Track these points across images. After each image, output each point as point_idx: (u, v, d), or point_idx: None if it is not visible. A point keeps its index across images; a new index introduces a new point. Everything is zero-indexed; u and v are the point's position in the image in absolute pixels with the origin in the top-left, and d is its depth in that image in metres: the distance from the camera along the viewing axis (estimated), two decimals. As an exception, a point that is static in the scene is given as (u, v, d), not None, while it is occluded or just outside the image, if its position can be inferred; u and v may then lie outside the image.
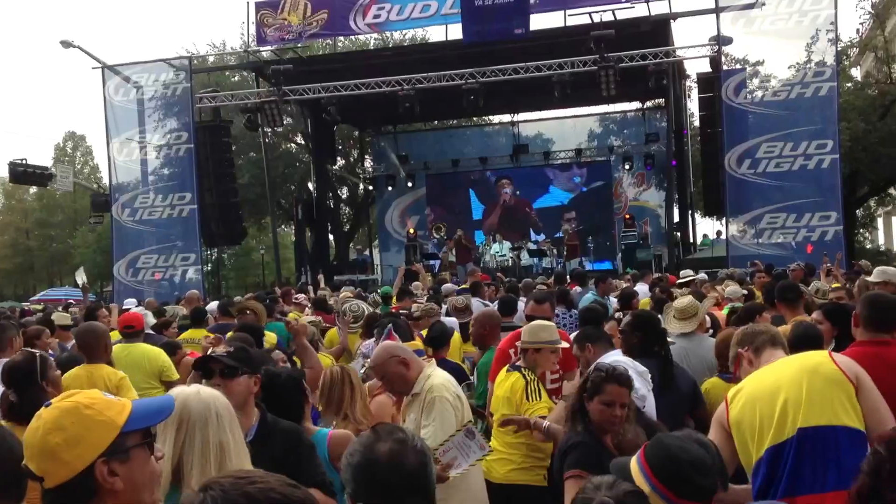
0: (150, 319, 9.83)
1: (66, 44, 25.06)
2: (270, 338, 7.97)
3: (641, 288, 12.88)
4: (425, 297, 11.52)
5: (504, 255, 25.46)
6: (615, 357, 5.41)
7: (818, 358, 3.71)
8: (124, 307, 13.01)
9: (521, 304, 9.62)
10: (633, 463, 2.87)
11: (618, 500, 2.45)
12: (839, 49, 23.09)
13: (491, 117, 35.48)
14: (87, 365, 6.16)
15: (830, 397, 3.53)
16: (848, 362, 3.65)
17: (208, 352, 4.02)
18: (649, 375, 5.07)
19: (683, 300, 7.13)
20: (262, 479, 1.67)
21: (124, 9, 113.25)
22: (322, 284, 16.57)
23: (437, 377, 4.63)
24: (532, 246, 26.49)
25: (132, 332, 7.86)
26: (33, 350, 4.94)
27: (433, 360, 5.11)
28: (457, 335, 8.23)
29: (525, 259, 25.30)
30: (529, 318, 6.48)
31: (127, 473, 2.17)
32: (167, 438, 2.84)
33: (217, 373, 3.71)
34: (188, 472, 2.84)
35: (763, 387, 3.68)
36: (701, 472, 2.75)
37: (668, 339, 6.31)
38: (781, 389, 3.60)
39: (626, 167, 28.99)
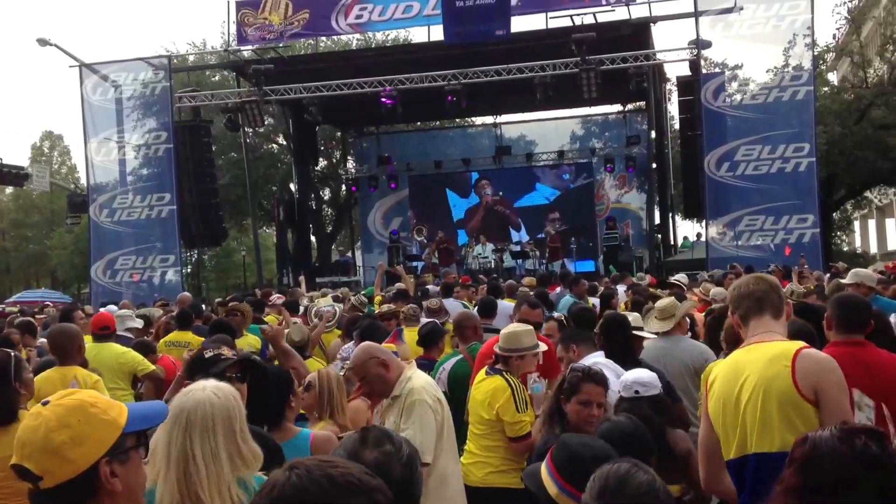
0: (133, 321, 9.72)
1: (43, 42, 24.92)
2: (253, 341, 7.95)
3: (622, 289, 12.94)
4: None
5: (487, 257, 25.51)
6: (595, 359, 5.45)
7: (778, 367, 3.47)
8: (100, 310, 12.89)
9: (501, 304, 9.68)
10: (543, 467, 2.96)
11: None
12: (816, 54, 23.30)
13: (473, 119, 35.50)
14: (61, 367, 6.11)
15: (784, 421, 3.41)
16: (808, 372, 3.43)
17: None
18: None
19: (665, 300, 7.18)
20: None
21: (103, 7, 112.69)
22: (303, 288, 16.47)
23: (417, 380, 4.62)
24: (515, 247, 26.55)
25: (106, 332, 7.84)
26: (8, 350, 4.91)
27: (413, 361, 5.08)
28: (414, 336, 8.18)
29: (508, 261, 25.34)
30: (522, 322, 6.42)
31: (125, 475, 2.17)
32: (171, 440, 2.77)
33: (235, 377, 3.70)
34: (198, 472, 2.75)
35: (728, 388, 3.61)
36: (623, 445, 2.95)
37: (647, 339, 6.37)
38: (741, 400, 3.53)
39: (608, 169, 29.09)
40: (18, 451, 2.13)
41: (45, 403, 2.19)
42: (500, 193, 30.55)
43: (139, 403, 2.53)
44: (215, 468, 2.73)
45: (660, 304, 7.10)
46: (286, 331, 6.91)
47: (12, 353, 4.58)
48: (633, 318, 6.40)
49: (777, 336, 3.64)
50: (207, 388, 2.88)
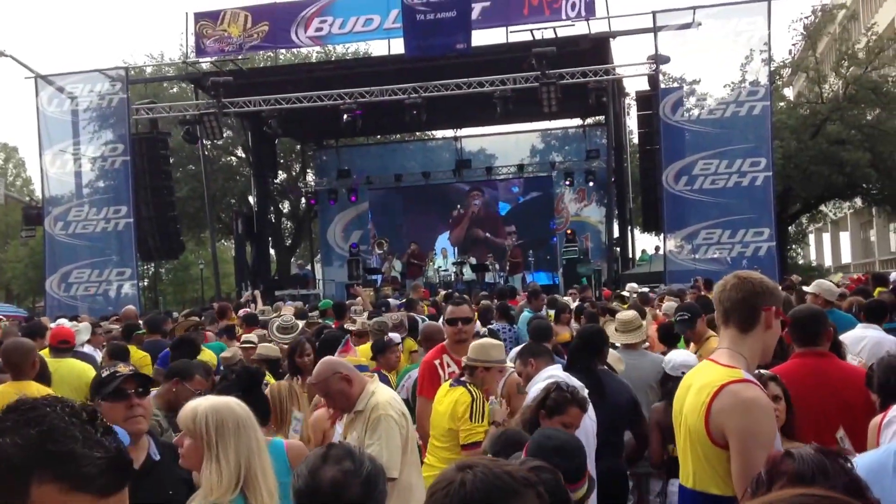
0: (85, 336, 9.60)
1: (-2, 53, 24.53)
2: (209, 356, 7.85)
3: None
4: (366, 315, 11.49)
5: (447, 270, 25.48)
6: (552, 372, 5.46)
7: (700, 399, 3.15)
8: (52, 325, 12.68)
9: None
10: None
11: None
12: (772, 69, 23.62)
13: (434, 132, 35.52)
14: (14, 382, 5.97)
15: (696, 459, 3.18)
16: (718, 412, 3.07)
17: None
18: (586, 391, 5.13)
19: (627, 313, 7.23)
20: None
21: (59, 18, 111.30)
22: (259, 302, 16.29)
23: (380, 394, 4.57)
24: (474, 260, 26.56)
25: (65, 347, 7.71)
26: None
27: (375, 375, 5.03)
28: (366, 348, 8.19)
29: (468, 274, 25.34)
30: (451, 322, 6.41)
31: None
32: (229, 445, 2.98)
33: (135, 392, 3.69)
34: (256, 474, 3.00)
35: (676, 408, 3.41)
36: (565, 456, 3.10)
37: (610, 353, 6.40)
38: (678, 424, 3.36)
39: (568, 183, 29.22)
40: None
41: None
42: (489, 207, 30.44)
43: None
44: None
45: (621, 316, 7.15)
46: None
47: None
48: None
49: (729, 357, 3.20)
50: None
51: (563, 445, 3.21)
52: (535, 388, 5.31)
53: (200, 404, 3.09)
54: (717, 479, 3.08)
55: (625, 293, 14.51)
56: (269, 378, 7.18)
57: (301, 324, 9.84)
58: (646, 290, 15.39)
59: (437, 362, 6.29)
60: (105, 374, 3.79)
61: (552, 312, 11.42)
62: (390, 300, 14.93)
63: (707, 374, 3.23)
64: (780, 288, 3.27)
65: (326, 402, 4.89)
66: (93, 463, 1.48)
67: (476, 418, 5.21)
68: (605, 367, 6.04)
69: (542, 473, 2.61)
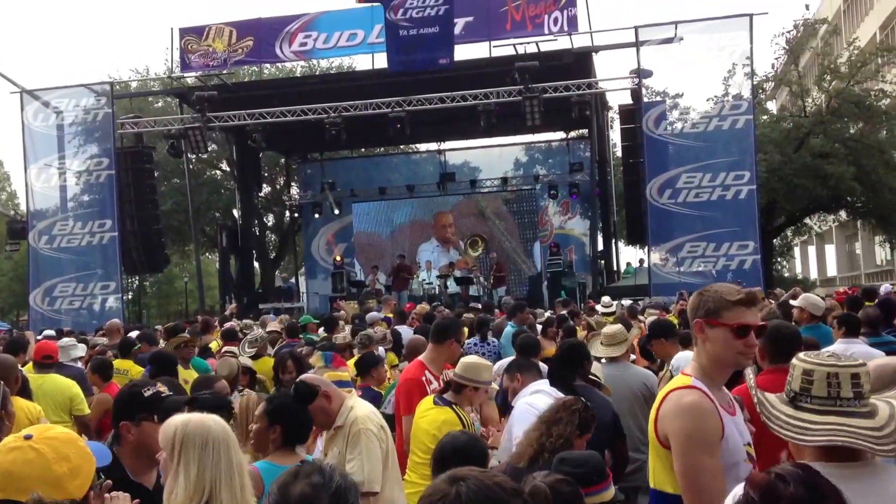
0: (77, 350, 9.55)
1: (-17, 67, 24.48)
2: (188, 375, 7.81)
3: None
4: (349, 328, 11.49)
5: (431, 283, 25.47)
6: (539, 386, 5.46)
7: (657, 404, 3.29)
8: (38, 337, 12.65)
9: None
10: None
11: (550, 486, 2.80)
12: (755, 83, 23.77)
13: (418, 145, 35.58)
14: (-3, 398, 5.94)
15: (654, 459, 3.32)
16: (662, 416, 3.21)
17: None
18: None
19: (613, 327, 7.25)
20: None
21: (44, 33, 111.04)
22: (234, 319, 16.13)
23: (359, 409, 4.58)
24: (458, 273, 26.53)
25: (49, 362, 7.69)
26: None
27: (353, 390, 5.03)
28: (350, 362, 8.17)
29: (452, 287, 25.31)
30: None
31: None
32: (191, 461, 2.94)
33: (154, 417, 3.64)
34: (218, 492, 2.94)
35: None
36: (459, 459, 3.20)
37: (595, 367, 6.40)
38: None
39: (552, 196, 29.30)
40: (6, 486, 2.12)
41: (27, 437, 2.21)
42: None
43: (90, 443, 2.55)
44: None
45: (607, 330, 7.16)
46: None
47: (1, 384, 4.46)
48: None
49: (689, 366, 3.34)
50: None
51: (577, 456, 3.39)
52: (521, 402, 5.31)
53: (176, 419, 3.09)
54: (671, 479, 3.19)
55: (599, 307, 14.60)
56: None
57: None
58: (629, 302, 15.42)
59: (423, 379, 6.14)
60: (149, 393, 3.75)
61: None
62: (372, 313, 14.91)
63: (672, 381, 3.38)
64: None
65: None
66: None
67: None
68: (593, 379, 6.01)
69: (565, 486, 2.87)
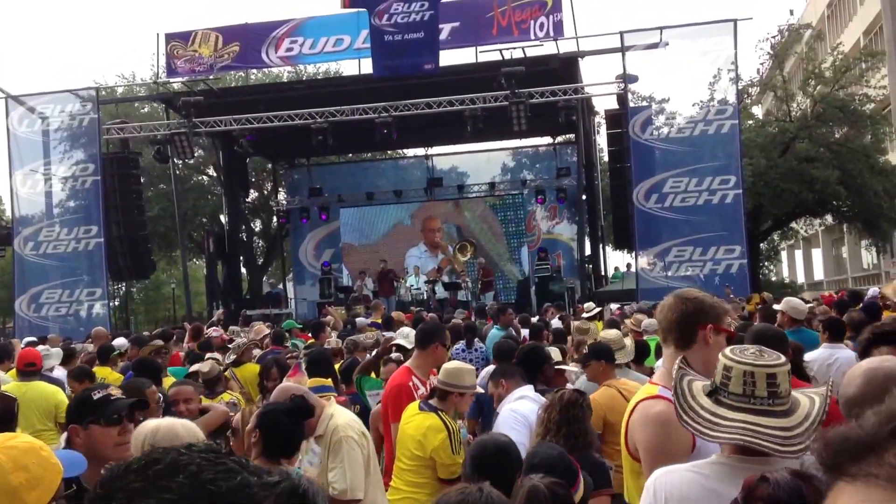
0: (55, 361, 9.53)
1: (-33, 73, 24.38)
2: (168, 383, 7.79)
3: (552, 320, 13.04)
4: (335, 335, 11.49)
5: (419, 289, 25.47)
6: (523, 392, 5.46)
7: (627, 416, 3.30)
8: (23, 345, 12.60)
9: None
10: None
11: (546, 486, 2.94)
12: (740, 88, 23.87)
13: (405, 150, 35.58)
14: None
15: (626, 472, 3.30)
16: (631, 428, 3.20)
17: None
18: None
19: (610, 332, 7.22)
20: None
21: (30, 39, 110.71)
22: (219, 326, 16.08)
23: (339, 417, 4.57)
24: (446, 279, 26.56)
25: (32, 370, 7.66)
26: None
27: (331, 397, 4.99)
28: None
29: (440, 292, 25.33)
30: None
31: None
32: None
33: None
34: None
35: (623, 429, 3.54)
36: (553, 468, 3.23)
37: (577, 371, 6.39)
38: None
39: (539, 201, 29.33)
40: None
41: None
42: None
43: (62, 451, 2.50)
44: None
45: (605, 335, 7.14)
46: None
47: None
48: (554, 353, 6.41)
49: (662, 375, 3.30)
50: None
51: (546, 459, 3.37)
52: (506, 408, 5.31)
53: (147, 425, 3.08)
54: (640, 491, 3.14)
55: (585, 314, 14.62)
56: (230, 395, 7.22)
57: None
58: (613, 307, 15.45)
59: (410, 384, 6.07)
60: (98, 396, 3.68)
61: (523, 332, 11.46)
62: (360, 318, 14.92)
63: (641, 392, 3.39)
64: (719, 304, 3.28)
65: None
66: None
67: (456, 450, 5.08)
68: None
69: (560, 489, 3.01)
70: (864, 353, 4.03)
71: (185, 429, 3.06)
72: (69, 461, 2.32)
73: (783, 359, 2.59)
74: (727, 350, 2.66)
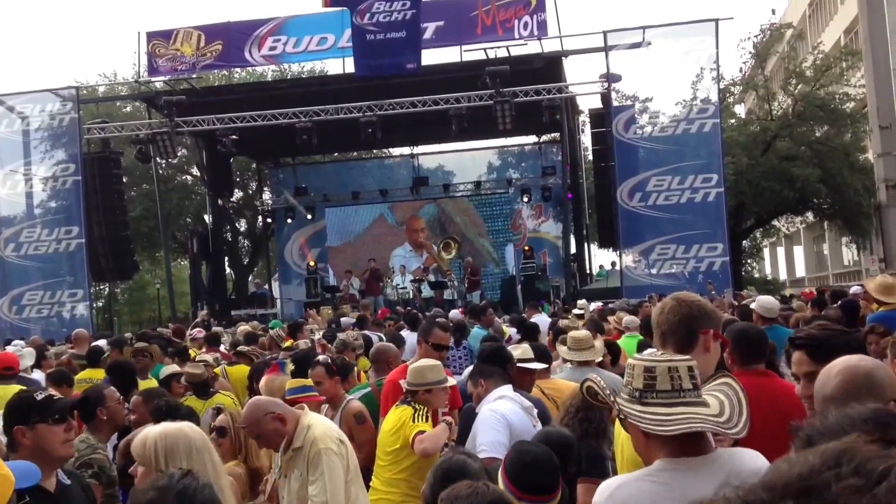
0: (28, 361, 9.49)
1: (-53, 73, 24.21)
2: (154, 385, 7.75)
3: (541, 318, 13.01)
4: (321, 333, 11.47)
5: (405, 288, 25.44)
6: (502, 392, 5.46)
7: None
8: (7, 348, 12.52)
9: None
10: (501, 467, 3.35)
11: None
12: (722, 87, 23.98)
13: (390, 149, 35.52)
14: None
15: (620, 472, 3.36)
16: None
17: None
18: (535, 411, 5.16)
19: (580, 332, 7.23)
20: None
21: (9, 38, 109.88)
22: (200, 326, 15.99)
23: (317, 427, 4.50)
24: (432, 278, 26.52)
25: (9, 373, 7.61)
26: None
27: (305, 406, 4.94)
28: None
29: (426, 291, 25.30)
30: (436, 347, 6.37)
31: None
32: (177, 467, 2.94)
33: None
34: None
35: (616, 434, 3.62)
36: (539, 471, 3.25)
37: (562, 369, 6.40)
38: (619, 450, 3.55)
39: (525, 199, 29.35)
40: None
41: None
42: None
43: (13, 462, 2.47)
44: None
45: (574, 334, 7.15)
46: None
47: None
48: (522, 350, 6.39)
49: None
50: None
51: (539, 459, 3.33)
52: (485, 408, 5.31)
53: (151, 432, 3.09)
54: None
55: (576, 311, 14.62)
56: (223, 396, 7.21)
57: None
58: (598, 304, 15.48)
59: (400, 381, 6.14)
60: (41, 396, 3.72)
61: (509, 331, 11.49)
62: (344, 318, 14.88)
63: None
64: (718, 311, 3.31)
65: (259, 443, 4.85)
66: None
67: (418, 420, 5.15)
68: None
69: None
70: (789, 358, 3.96)
71: (191, 429, 3.10)
72: (22, 472, 2.28)
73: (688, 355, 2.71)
74: (636, 355, 2.76)
